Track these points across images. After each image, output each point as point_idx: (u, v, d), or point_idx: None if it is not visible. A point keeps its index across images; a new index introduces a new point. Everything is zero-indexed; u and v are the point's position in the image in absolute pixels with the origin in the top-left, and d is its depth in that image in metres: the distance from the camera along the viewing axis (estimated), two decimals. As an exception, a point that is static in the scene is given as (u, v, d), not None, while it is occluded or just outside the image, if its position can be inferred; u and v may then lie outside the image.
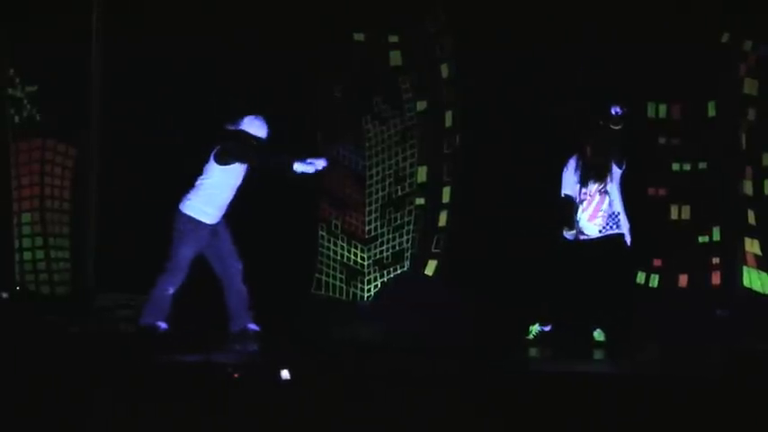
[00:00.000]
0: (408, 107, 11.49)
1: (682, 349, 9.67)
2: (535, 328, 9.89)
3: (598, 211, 9.85)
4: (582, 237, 9.84)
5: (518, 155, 10.88)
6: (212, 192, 9.65)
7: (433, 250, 11.35)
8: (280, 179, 10.26)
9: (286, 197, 10.46)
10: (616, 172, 9.86)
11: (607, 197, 9.85)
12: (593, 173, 9.89)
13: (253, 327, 9.77)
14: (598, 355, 9.38)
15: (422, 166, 11.42)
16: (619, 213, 9.84)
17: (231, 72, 11.00)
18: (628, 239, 9.83)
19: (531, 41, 10.82)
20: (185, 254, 9.69)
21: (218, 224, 9.73)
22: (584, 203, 9.87)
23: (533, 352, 9.54)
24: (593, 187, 9.90)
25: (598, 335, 9.70)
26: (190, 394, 7.10)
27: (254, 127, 9.66)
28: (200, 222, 9.66)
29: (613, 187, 9.87)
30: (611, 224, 9.83)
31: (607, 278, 9.78)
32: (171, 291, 9.68)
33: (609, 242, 9.83)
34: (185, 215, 9.64)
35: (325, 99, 11.43)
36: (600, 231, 9.81)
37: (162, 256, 10.85)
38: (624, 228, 9.82)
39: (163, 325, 9.67)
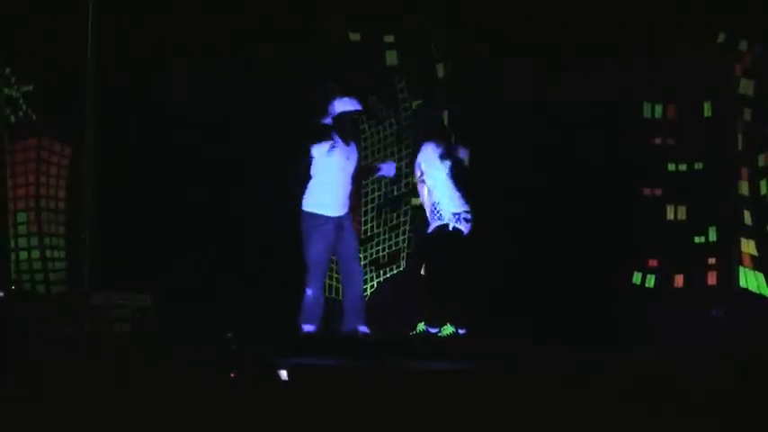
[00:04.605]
0: (404, 107, 11.49)
1: (677, 349, 9.67)
2: (421, 326, 9.99)
3: (423, 200, 10.19)
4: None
5: (513, 155, 10.89)
6: (323, 183, 9.79)
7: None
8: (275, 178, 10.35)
9: (282, 196, 10.45)
10: (434, 162, 10.05)
11: (425, 186, 10.11)
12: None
13: (363, 329, 9.83)
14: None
15: (417, 165, 11.41)
16: (437, 203, 10.00)
17: (226, 71, 10.99)
18: (451, 226, 10.00)
19: (527, 41, 10.82)
20: (315, 252, 9.79)
21: (342, 218, 9.83)
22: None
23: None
24: (417, 176, 10.24)
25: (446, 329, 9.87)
26: (187, 393, 7.10)
27: (347, 104, 9.92)
28: (321, 216, 9.79)
29: (436, 177, 10.03)
30: (433, 215, 10.07)
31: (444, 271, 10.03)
32: (310, 293, 9.78)
33: (436, 236, 10.05)
34: (306, 213, 9.81)
35: (320, 99, 11.40)
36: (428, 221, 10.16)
37: (157, 255, 10.89)
38: (446, 217, 9.99)
39: (306, 327, 9.76)
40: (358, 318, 9.87)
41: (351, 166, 9.91)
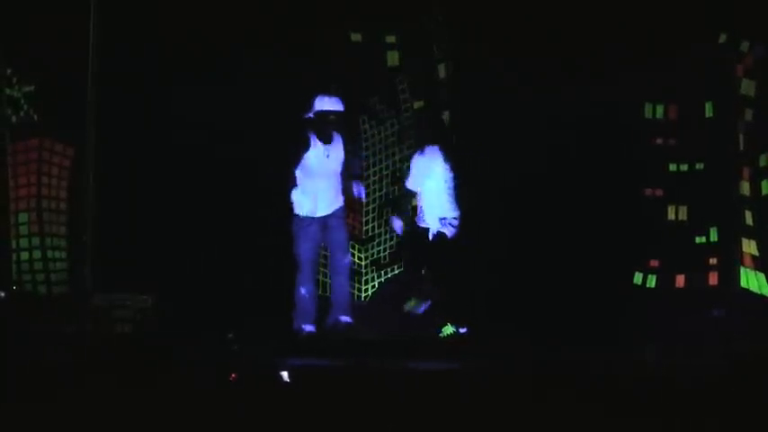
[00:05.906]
0: (405, 107, 11.49)
1: (678, 349, 9.67)
2: (448, 329, 10.06)
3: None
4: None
5: (514, 155, 10.89)
6: (304, 184, 9.85)
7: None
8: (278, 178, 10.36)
9: (282, 196, 10.46)
10: (434, 166, 10.20)
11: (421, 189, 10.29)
12: None
13: (345, 319, 9.84)
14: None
15: (419, 166, 11.40)
16: (425, 207, 10.19)
17: (226, 71, 11.00)
18: (435, 230, 10.12)
19: (529, 42, 10.82)
20: (302, 252, 9.90)
21: (327, 218, 9.84)
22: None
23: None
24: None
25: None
26: (188, 394, 7.11)
27: (328, 103, 9.85)
28: (303, 218, 9.82)
29: (431, 180, 10.19)
30: (419, 218, 10.25)
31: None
32: (303, 292, 9.83)
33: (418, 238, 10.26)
34: (294, 216, 9.90)
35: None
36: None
37: (158, 256, 10.89)
38: (431, 220, 10.15)
39: (307, 327, 9.75)
40: (342, 309, 9.90)
41: (333, 164, 9.88)
